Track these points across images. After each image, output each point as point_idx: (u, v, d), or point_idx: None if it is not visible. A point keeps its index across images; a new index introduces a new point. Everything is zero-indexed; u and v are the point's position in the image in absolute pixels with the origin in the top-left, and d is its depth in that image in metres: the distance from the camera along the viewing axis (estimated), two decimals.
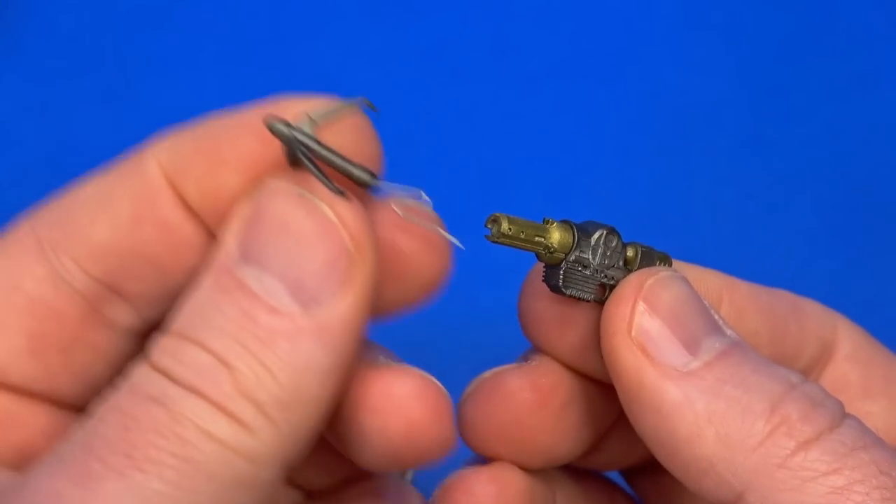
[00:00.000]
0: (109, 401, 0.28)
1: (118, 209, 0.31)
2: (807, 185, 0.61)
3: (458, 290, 0.59)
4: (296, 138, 0.29)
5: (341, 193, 0.28)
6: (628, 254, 0.35)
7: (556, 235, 0.34)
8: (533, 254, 0.34)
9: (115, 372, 0.33)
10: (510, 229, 0.33)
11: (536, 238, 0.33)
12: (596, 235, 0.34)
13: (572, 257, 0.34)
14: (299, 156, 0.29)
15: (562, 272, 0.34)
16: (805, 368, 0.39)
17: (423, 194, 0.31)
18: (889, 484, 0.29)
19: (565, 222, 0.34)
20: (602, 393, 0.37)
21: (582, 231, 0.34)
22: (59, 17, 0.61)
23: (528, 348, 0.38)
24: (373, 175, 0.30)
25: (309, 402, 0.28)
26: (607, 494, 0.42)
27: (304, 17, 0.63)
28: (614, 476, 0.43)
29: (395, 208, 0.31)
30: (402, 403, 0.31)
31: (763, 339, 0.37)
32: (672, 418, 0.31)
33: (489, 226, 0.33)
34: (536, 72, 0.63)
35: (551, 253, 0.34)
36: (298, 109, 0.30)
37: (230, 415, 0.27)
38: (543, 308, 0.36)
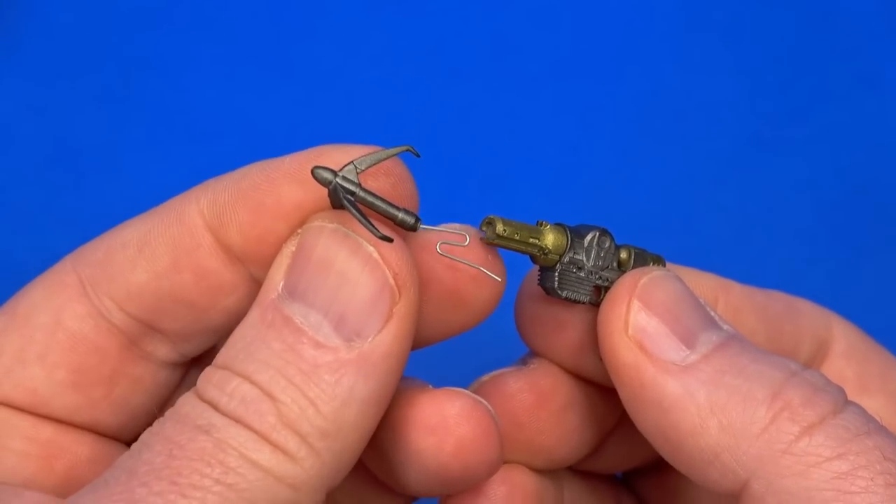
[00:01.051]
0: (155, 429, 0.29)
1: (158, 255, 0.32)
2: (806, 185, 0.61)
3: None
4: (340, 185, 0.30)
5: (387, 239, 0.29)
6: (622, 255, 0.35)
7: (550, 237, 0.34)
8: (528, 256, 0.34)
9: (156, 402, 0.35)
10: (505, 231, 0.33)
11: (531, 240, 0.33)
12: (589, 237, 0.34)
13: (566, 259, 0.34)
14: (344, 203, 0.30)
15: (557, 274, 0.34)
16: None
17: (468, 235, 0.32)
18: (893, 469, 0.29)
19: (559, 225, 0.34)
20: (602, 396, 0.37)
21: (575, 233, 0.34)
22: (59, 17, 0.61)
23: (527, 352, 0.38)
24: (416, 218, 0.31)
25: (351, 432, 0.29)
26: (614, 495, 0.42)
27: (304, 17, 0.63)
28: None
29: (439, 250, 0.32)
30: (454, 422, 0.32)
31: (759, 339, 0.37)
32: (674, 412, 0.31)
33: (484, 228, 0.33)
34: (536, 72, 0.63)
35: (546, 255, 0.34)
36: (340, 157, 0.31)
37: (274, 444, 0.28)
38: (539, 311, 0.36)
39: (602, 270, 0.35)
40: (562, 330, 0.36)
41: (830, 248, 0.60)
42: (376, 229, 0.29)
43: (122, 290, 0.33)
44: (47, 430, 0.33)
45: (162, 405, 0.35)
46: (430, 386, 0.34)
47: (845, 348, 0.39)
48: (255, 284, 0.32)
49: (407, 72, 0.63)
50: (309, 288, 0.30)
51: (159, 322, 0.33)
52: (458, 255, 0.32)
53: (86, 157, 0.59)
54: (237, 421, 0.28)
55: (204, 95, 0.61)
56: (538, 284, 0.35)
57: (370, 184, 0.31)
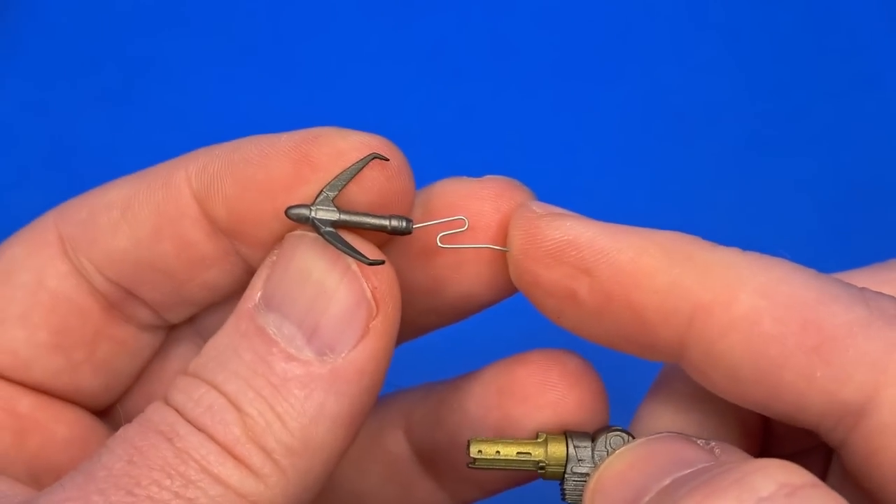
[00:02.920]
0: (120, 432, 0.28)
1: (141, 221, 0.31)
2: (806, 185, 0.61)
3: None
4: (316, 219, 0.29)
5: (377, 263, 0.28)
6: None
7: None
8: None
9: (139, 365, 0.34)
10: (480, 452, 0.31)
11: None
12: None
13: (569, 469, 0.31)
14: (325, 238, 0.29)
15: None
16: None
17: (466, 219, 0.31)
18: None
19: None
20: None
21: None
22: (59, 17, 0.61)
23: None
24: (408, 220, 0.30)
25: (319, 450, 0.28)
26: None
27: (304, 17, 0.63)
28: None
29: (440, 243, 0.31)
30: (558, 388, 0.32)
31: None
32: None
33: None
34: (536, 72, 0.63)
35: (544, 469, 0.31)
36: (338, 143, 0.29)
37: (238, 458, 0.27)
38: None
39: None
40: None
41: (830, 248, 0.60)
42: (363, 256, 0.28)
43: (103, 255, 0.32)
44: (26, 403, 0.32)
45: (144, 367, 0.34)
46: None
47: None
48: (239, 261, 0.31)
49: (407, 72, 0.63)
50: (285, 298, 0.29)
51: (138, 289, 0.32)
52: (460, 241, 0.31)
53: (86, 157, 0.59)
54: (201, 430, 0.27)
55: (204, 95, 0.61)
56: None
57: (361, 193, 0.30)
